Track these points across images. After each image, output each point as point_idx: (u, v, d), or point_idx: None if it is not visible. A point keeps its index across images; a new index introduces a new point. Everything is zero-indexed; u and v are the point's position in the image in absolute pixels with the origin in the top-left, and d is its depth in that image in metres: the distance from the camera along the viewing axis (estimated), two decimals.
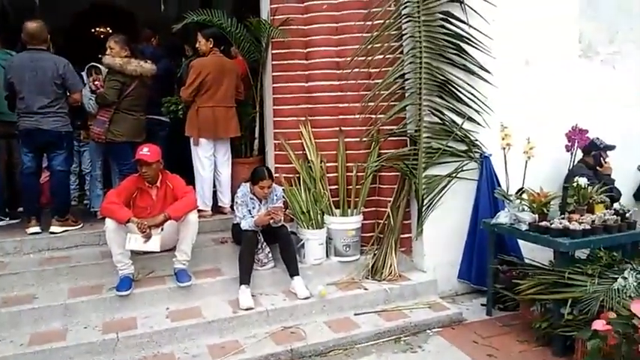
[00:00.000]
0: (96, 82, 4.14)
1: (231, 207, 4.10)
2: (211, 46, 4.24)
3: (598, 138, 4.01)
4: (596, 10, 4.34)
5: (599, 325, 2.62)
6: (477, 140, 3.96)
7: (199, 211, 4.13)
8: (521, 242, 3.79)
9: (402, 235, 4.02)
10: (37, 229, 3.92)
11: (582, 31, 4.31)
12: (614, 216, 3.26)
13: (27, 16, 3.99)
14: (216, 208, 4.45)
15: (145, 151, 3.45)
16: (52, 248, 3.87)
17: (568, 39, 4.26)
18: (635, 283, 2.90)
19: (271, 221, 3.56)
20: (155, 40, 5.12)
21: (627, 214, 3.33)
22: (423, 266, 3.99)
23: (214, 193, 4.43)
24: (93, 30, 9.49)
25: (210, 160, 4.29)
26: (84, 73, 4.38)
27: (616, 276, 2.97)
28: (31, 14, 5.04)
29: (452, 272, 4.02)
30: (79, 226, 4.10)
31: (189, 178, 4.26)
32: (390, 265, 3.88)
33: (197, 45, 4.29)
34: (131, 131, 4.09)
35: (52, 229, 3.94)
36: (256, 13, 4.34)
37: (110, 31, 8.71)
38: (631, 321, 2.63)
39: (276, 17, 4.06)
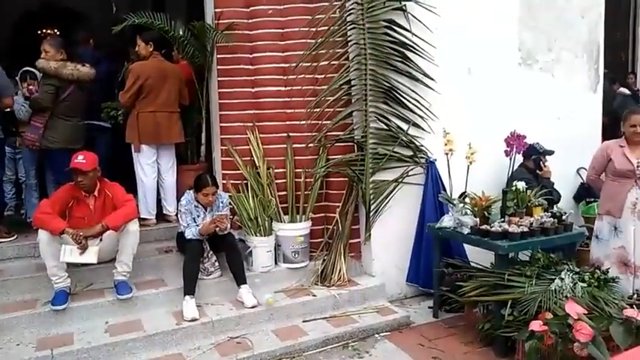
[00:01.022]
0: (30, 87, 3.95)
1: (177, 215, 3.98)
2: (151, 49, 4.12)
3: (538, 143, 4.15)
4: (535, 20, 4.51)
5: (536, 325, 2.71)
6: (422, 146, 4.02)
7: (142, 219, 4.03)
8: (466, 245, 3.87)
9: (350, 241, 4.02)
10: None
11: (522, 39, 4.46)
12: (552, 218, 3.38)
13: None
14: (161, 217, 4.32)
15: (80, 159, 3.30)
16: None
17: (508, 47, 4.40)
18: (571, 284, 3.01)
19: (217, 229, 3.48)
20: (92, 43, 4.93)
21: (564, 217, 3.45)
22: (371, 271, 4.01)
23: (159, 200, 4.30)
24: (40, 32, 9.10)
25: (153, 167, 4.17)
26: (17, 78, 4.17)
27: (553, 277, 3.07)
28: None
29: (400, 276, 4.06)
30: (13, 237, 3.89)
31: (134, 186, 4.14)
32: (339, 271, 3.88)
33: (137, 49, 4.16)
34: (67, 137, 3.91)
35: None
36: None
37: (58, 32, 8.37)
38: (566, 320, 2.73)
39: (220, 22, 4.00)
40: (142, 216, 4.06)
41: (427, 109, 3.98)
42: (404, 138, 3.95)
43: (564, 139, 4.41)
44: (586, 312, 2.78)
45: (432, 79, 3.96)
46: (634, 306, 2.94)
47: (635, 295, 3.22)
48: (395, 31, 3.89)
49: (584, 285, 3.00)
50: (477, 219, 3.38)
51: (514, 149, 4.01)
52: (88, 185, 3.35)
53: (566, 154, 4.25)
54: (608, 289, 3.05)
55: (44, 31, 9.08)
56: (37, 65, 3.83)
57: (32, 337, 3.07)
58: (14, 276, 3.47)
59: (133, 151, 4.13)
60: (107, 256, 3.44)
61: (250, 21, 4.03)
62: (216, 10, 4.04)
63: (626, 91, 6.87)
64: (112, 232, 3.29)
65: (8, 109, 3.98)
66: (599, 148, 3.68)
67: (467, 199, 3.57)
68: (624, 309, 2.87)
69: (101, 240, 3.32)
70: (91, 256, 3.22)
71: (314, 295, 3.67)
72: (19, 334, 3.07)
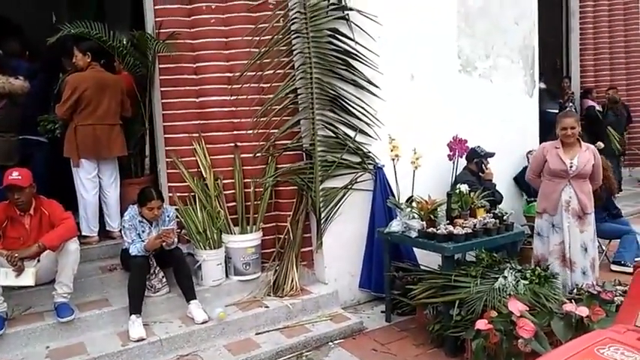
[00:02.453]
0: None
1: (120, 231, 3.84)
2: (89, 60, 3.98)
3: (479, 146, 4.30)
4: (472, 28, 4.68)
5: (481, 324, 2.79)
6: (369, 152, 4.07)
7: (84, 237, 3.88)
8: (415, 248, 3.94)
9: (302, 249, 4.01)
10: None
11: (461, 47, 4.62)
12: (494, 219, 3.50)
13: None
14: (104, 233, 4.15)
15: (16, 175, 3.14)
16: None
17: (449, 55, 4.55)
18: (513, 282, 3.12)
19: (164, 244, 3.39)
20: (27, 55, 4.70)
21: (505, 217, 3.58)
22: (324, 278, 4.01)
23: (102, 217, 4.14)
24: None
25: (94, 181, 4.00)
26: None
27: (497, 276, 3.18)
28: None
29: (353, 282, 4.09)
30: None
31: (74, 202, 3.96)
32: (292, 280, 3.86)
33: (74, 60, 4.00)
34: (0, 154, 3.71)
35: None
36: None
37: None
38: (509, 318, 2.82)
39: (161, 31, 3.90)
40: (83, 233, 3.90)
41: (373, 116, 4.04)
42: (351, 145, 3.99)
43: (504, 141, 4.59)
44: (528, 309, 2.89)
45: (376, 86, 4.03)
46: (573, 300, 3.09)
47: (575, 290, 3.38)
48: (339, 39, 3.93)
49: (526, 282, 3.12)
50: (424, 222, 3.45)
51: (456, 153, 4.13)
52: (25, 202, 3.19)
53: (506, 156, 4.43)
54: (548, 286, 3.19)
55: None
56: None
57: None
58: None
59: (72, 166, 3.96)
60: (46, 278, 3.28)
61: (192, 30, 3.95)
62: (157, 19, 3.94)
63: (543, 85, 7.09)
64: (50, 252, 3.15)
65: None
66: (537, 150, 3.86)
67: (414, 204, 3.64)
68: (564, 304, 3.01)
69: (39, 261, 3.18)
70: (28, 278, 3.06)
71: (267, 307, 3.63)
72: None
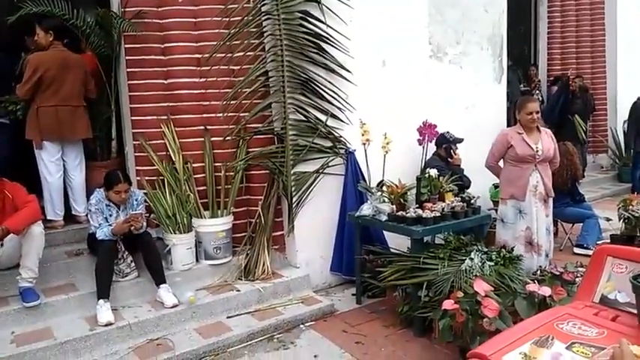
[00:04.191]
0: None
1: (87, 215, 3.76)
2: (51, 39, 3.84)
3: (448, 132, 4.36)
4: (443, 15, 4.72)
5: (448, 304, 2.85)
6: (341, 137, 4.08)
7: (49, 221, 3.79)
8: (385, 232, 3.99)
9: (274, 233, 4.02)
10: None
11: (432, 33, 4.65)
12: (462, 203, 3.57)
13: None
14: (70, 217, 4.06)
15: None
16: None
17: (420, 41, 4.57)
18: (480, 263, 3.19)
19: (132, 228, 3.34)
20: None
21: (472, 201, 3.66)
22: (296, 262, 4.03)
23: (67, 201, 4.04)
24: None
25: (58, 164, 3.89)
26: None
27: (464, 258, 3.24)
28: None
29: (324, 266, 4.12)
30: None
31: (38, 186, 3.85)
32: (263, 264, 3.86)
33: (35, 38, 3.86)
34: None
35: None
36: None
37: None
38: (475, 298, 2.90)
39: (127, 9, 3.79)
40: (48, 217, 3.82)
41: (344, 100, 4.05)
42: (323, 129, 3.99)
43: (472, 127, 4.67)
44: (493, 289, 2.97)
45: (348, 70, 4.03)
46: (536, 281, 3.19)
47: (539, 272, 3.48)
48: (310, 22, 3.90)
49: (492, 264, 3.20)
50: (394, 206, 3.50)
51: (426, 138, 4.18)
52: None
53: (475, 142, 4.49)
54: (513, 267, 3.27)
55: None
56: None
57: None
58: None
59: (34, 148, 3.84)
60: (10, 262, 3.21)
61: (160, 9, 3.85)
62: None
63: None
64: (13, 236, 3.07)
65: None
66: (497, 136, 3.86)
67: (384, 188, 3.68)
68: (527, 284, 3.10)
69: (2, 245, 3.10)
70: None
71: (238, 291, 3.63)
72: None
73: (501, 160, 3.84)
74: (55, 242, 3.71)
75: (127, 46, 3.88)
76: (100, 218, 3.39)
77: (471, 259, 3.21)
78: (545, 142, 3.64)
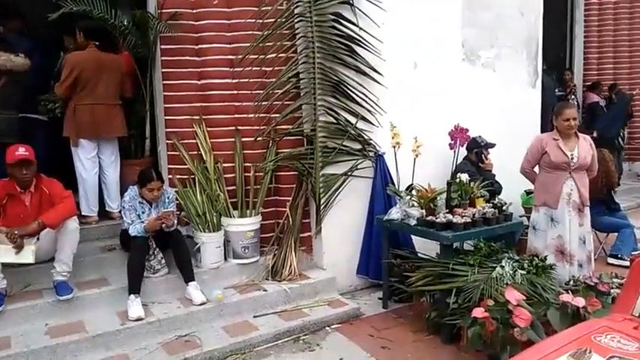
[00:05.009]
0: None
1: (120, 212, 3.85)
2: (85, 39, 3.95)
3: (480, 136, 4.29)
4: (477, 17, 4.65)
5: (478, 312, 2.81)
6: (370, 139, 4.07)
7: (84, 217, 3.89)
8: (413, 236, 3.95)
9: (301, 234, 4.02)
10: None
11: (465, 36, 4.59)
12: (493, 209, 3.51)
13: None
14: (104, 214, 4.15)
15: (22, 151, 3.15)
16: None
17: (452, 44, 4.51)
18: (511, 271, 3.13)
19: (163, 226, 3.40)
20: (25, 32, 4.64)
21: (504, 207, 3.59)
22: (322, 264, 4.03)
23: (101, 197, 4.14)
24: None
25: (94, 161, 4.00)
26: None
27: (495, 265, 3.19)
28: None
29: (351, 268, 4.11)
30: None
31: (74, 182, 3.96)
32: (290, 265, 3.87)
33: (77, 38, 3.98)
34: (1, 131, 3.69)
35: None
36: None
37: None
38: (506, 307, 2.84)
39: (163, 11, 3.86)
40: (83, 213, 3.91)
41: (375, 103, 4.03)
42: (352, 132, 3.98)
43: (505, 132, 4.58)
44: (525, 298, 2.91)
45: (379, 73, 4.01)
46: (569, 291, 3.10)
47: (572, 282, 3.39)
48: (342, 24, 3.90)
49: (524, 272, 3.13)
50: (424, 210, 3.46)
51: (458, 142, 4.13)
52: (30, 178, 3.18)
53: (507, 147, 4.41)
54: (545, 276, 3.20)
55: None
56: None
57: None
58: None
59: (71, 145, 3.95)
60: (45, 256, 3.28)
61: (195, 11, 3.92)
62: None
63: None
64: (49, 231, 3.15)
65: None
66: (533, 141, 3.78)
67: (413, 192, 3.64)
68: (560, 294, 3.03)
69: (38, 239, 3.18)
70: (27, 255, 3.07)
71: (265, 290, 3.65)
72: None
73: (537, 166, 3.76)
74: (89, 237, 3.79)
75: (162, 47, 3.95)
76: (133, 215, 3.46)
77: (502, 267, 3.15)
78: (583, 149, 3.54)
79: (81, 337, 2.99)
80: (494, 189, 4.06)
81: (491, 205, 3.56)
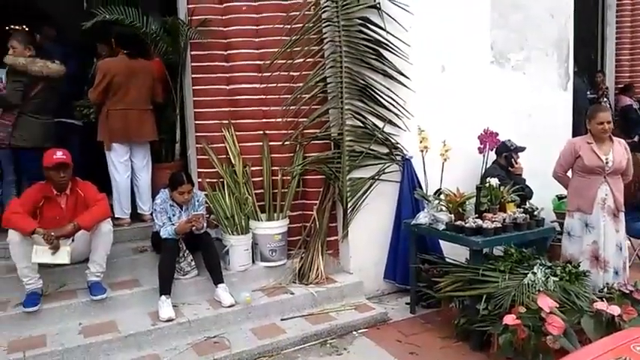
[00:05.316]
0: None
1: (151, 214, 3.93)
2: (118, 46, 4.06)
3: (509, 140, 4.23)
4: (506, 20, 4.59)
5: (509, 319, 2.77)
6: (398, 143, 4.05)
7: (117, 219, 3.97)
8: (441, 241, 3.92)
9: (328, 238, 4.03)
10: None
11: (494, 39, 4.53)
12: (524, 214, 3.45)
13: None
14: (136, 216, 4.25)
15: (60, 155, 3.26)
16: None
17: (481, 46, 4.47)
18: (543, 278, 3.07)
19: (193, 228, 3.45)
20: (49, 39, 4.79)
21: (536, 212, 3.53)
22: (349, 268, 4.03)
23: (133, 200, 4.23)
24: (6, 28, 8.80)
25: (126, 165, 4.09)
26: None
27: (526, 271, 3.13)
28: None
29: (378, 272, 4.09)
30: None
31: (108, 185, 4.05)
32: (317, 268, 3.88)
33: (112, 46, 4.10)
34: (38, 136, 3.81)
35: None
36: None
37: (27, 28, 8.12)
38: (539, 314, 2.79)
39: (193, 17, 3.94)
40: (116, 215, 4.00)
41: (402, 106, 4.02)
42: (380, 135, 3.98)
43: (536, 136, 4.50)
44: (558, 305, 2.86)
45: (406, 77, 3.99)
46: (604, 299, 3.03)
47: (606, 289, 3.31)
48: (370, 29, 3.91)
49: (556, 279, 3.07)
50: (452, 215, 3.43)
51: (487, 146, 4.08)
52: (66, 181, 3.28)
53: (538, 150, 4.34)
54: (579, 283, 3.13)
55: (10, 27, 8.79)
56: (5, 61, 3.70)
57: (3, 339, 3.00)
58: None
59: (105, 149, 4.05)
60: (80, 257, 3.37)
61: (224, 17, 3.98)
62: (190, 6, 3.98)
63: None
64: (84, 232, 3.23)
65: None
66: (566, 145, 3.72)
67: (442, 196, 3.61)
68: (595, 302, 2.96)
69: (73, 240, 3.26)
70: (63, 256, 3.15)
71: (292, 293, 3.66)
72: None
73: (570, 171, 3.68)
74: (122, 239, 3.87)
75: (192, 53, 4.03)
76: (164, 217, 3.53)
77: (534, 274, 3.10)
78: (617, 153, 3.45)
79: (113, 336, 3.06)
80: (525, 194, 3.99)
81: (522, 210, 3.50)
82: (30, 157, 3.74)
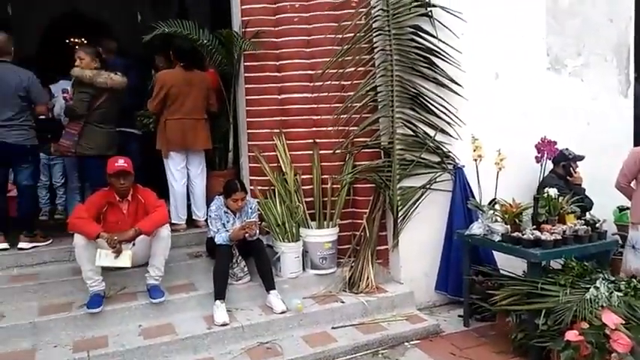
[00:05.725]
0: (64, 95, 4.06)
1: (206, 220, 4.04)
2: (175, 58, 4.22)
3: (567, 149, 4.09)
4: (562, 25, 4.46)
5: (571, 335, 2.67)
6: (449, 152, 4.00)
7: (173, 224, 4.10)
8: (495, 252, 3.83)
9: (378, 247, 4.01)
10: (4, 245, 3.82)
11: (550, 44, 4.41)
12: (585, 226, 3.32)
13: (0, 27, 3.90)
14: (191, 222, 4.38)
15: (122, 163, 3.42)
16: (21, 265, 3.78)
17: (536, 52, 4.36)
18: (606, 293, 2.94)
19: (246, 235, 3.52)
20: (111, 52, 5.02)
21: (598, 224, 3.39)
22: (400, 278, 3.99)
23: (189, 206, 4.36)
24: (68, 40, 9.33)
25: (183, 172, 4.24)
26: (52, 86, 4.28)
27: (588, 286, 3.01)
28: (5, 25, 4.93)
29: (429, 283, 4.03)
30: (49, 241, 4.00)
31: (165, 192, 4.20)
32: (367, 278, 3.87)
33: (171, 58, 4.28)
34: (102, 144, 4.01)
35: (21, 245, 3.85)
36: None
37: (85, 41, 8.57)
38: (603, 331, 2.68)
39: (247, 29, 4.04)
40: (172, 221, 4.13)
41: (454, 114, 3.96)
42: (431, 144, 3.94)
43: (594, 144, 4.34)
44: (623, 322, 2.73)
45: (458, 84, 3.94)
46: None
47: None
48: (421, 37, 3.89)
49: (620, 294, 2.94)
50: (508, 226, 3.34)
51: (545, 155, 3.96)
52: (127, 188, 3.43)
53: (597, 160, 4.18)
54: None
55: (71, 40, 9.31)
56: (72, 73, 3.92)
57: (69, 339, 3.14)
58: (51, 279, 3.57)
59: (162, 157, 4.21)
60: (139, 261, 3.50)
61: (277, 29, 4.07)
62: (244, 18, 4.09)
63: None
64: (144, 237, 3.36)
65: (43, 117, 4.10)
66: (629, 154, 3.59)
67: (497, 206, 3.53)
68: None
69: (134, 244, 3.38)
70: (125, 260, 3.28)
71: (342, 302, 3.67)
72: (56, 336, 3.15)
73: (634, 181, 3.52)
74: (178, 244, 4.00)
75: (245, 63, 4.14)
76: (219, 224, 3.62)
77: (597, 288, 2.97)
78: None
79: (171, 339, 3.15)
80: (585, 204, 3.84)
81: (582, 221, 3.37)
82: (94, 165, 3.94)
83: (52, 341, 3.11)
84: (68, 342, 3.11)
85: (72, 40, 9.38)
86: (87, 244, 3.23)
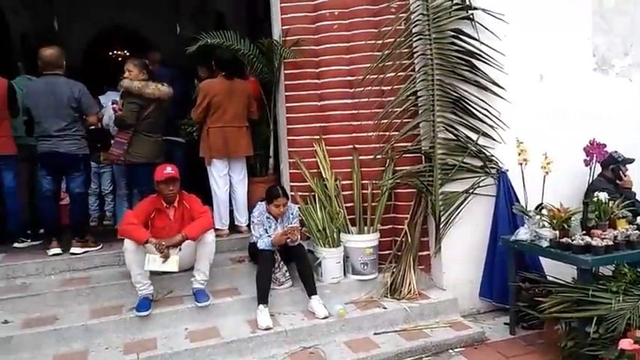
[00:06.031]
0: (114, 106, 4.23)
1: (248, 226, 4.11)
2: (217, 68, 4.34)
3: (616, 151, 3.96)
4: (609, 24, 4.32)
5: (625, 344, 2.57)
6: (492, 156, 3.93)
7: (216, 230, 4.17)
8: (541, 258, 3.72)
9: (420, 253, 3.98)
10: (57, 250, 3.99)
11: (596, 45, 4.28)
12: (637, 231, 3.19)
13: (47, 41, 4.11)
14: (233, 227, 4.46)
15: (170, 170, 3.52)
16: (73, 269, 3.93)
17: (582, 53, 4.23)
18: None
19: (288, 240, 3.56)
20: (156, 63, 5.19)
21: None
22: (442, 284, 3.94)
23: (231, 212, 4.45)
24: (111, 53, 9.73)
25: (225, 179, 4.34)
26: (101, 97, 4.46)
27: None
28: (52, 39, 5.19)
29: (473, 290, 3.96)
30: (99, 247, 4.15)
31: (208, 198, 4.30)
32: (409, 284, 3.84)
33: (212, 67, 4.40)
34: (150, 153, 4.15)
35: (73, 250, 4.00)
36: (269, 33, 4.40)
37: (127, 53, 8.92)
38: None
39: (287, 38, 4.11)
40: (215, 227, 4.20)
41: (497, 118, 3.90)
42: (473, 148, 3.88)
43: None
44: None
45: (501, 87, 3.88)
46: None
47: None
48: (462, 40, 3.85)
49: None
50: (557, 232, 3.25)
51: (594, 158, 3.84)
52: (174, 194, 3.54)
53: None
54: None
55: (113, 52, 9.71)
56: (121, 84, 4.09)
57: (119, 341, 3.25)
58: (102, 283, 3.70)
59: (205, 164, 4.32)
60: (185, 265, 3.58)
61: (316, 36, 4.12)
62: (284, 27, 4.16)
63: None
64: (190, 242, 3.44)
65: (93, 127, 4.29)
66: None
67: (544, 211, 3.44)
68: None
69: (180, 249, 3.47)
70: (172, 264, 3.38)
71: (384, 308, 3.65)
72: (107, 339, 3.26)
73: None
74: (221, 249, 4.05)
75: (286, 71, 4.20)
76: (261, 229, 3.68)
77: None
78: None
79: (217, 342, 3.21)
80: (636, 209, 3.69)
81: (634, 226, 3.24)
82: (142, 172, 4.08)
83: (103, 343, 3.22)
84: (119, 344, 3.21)
85: (115, 52, 9.79)
86: (136, 249, 3.34)
